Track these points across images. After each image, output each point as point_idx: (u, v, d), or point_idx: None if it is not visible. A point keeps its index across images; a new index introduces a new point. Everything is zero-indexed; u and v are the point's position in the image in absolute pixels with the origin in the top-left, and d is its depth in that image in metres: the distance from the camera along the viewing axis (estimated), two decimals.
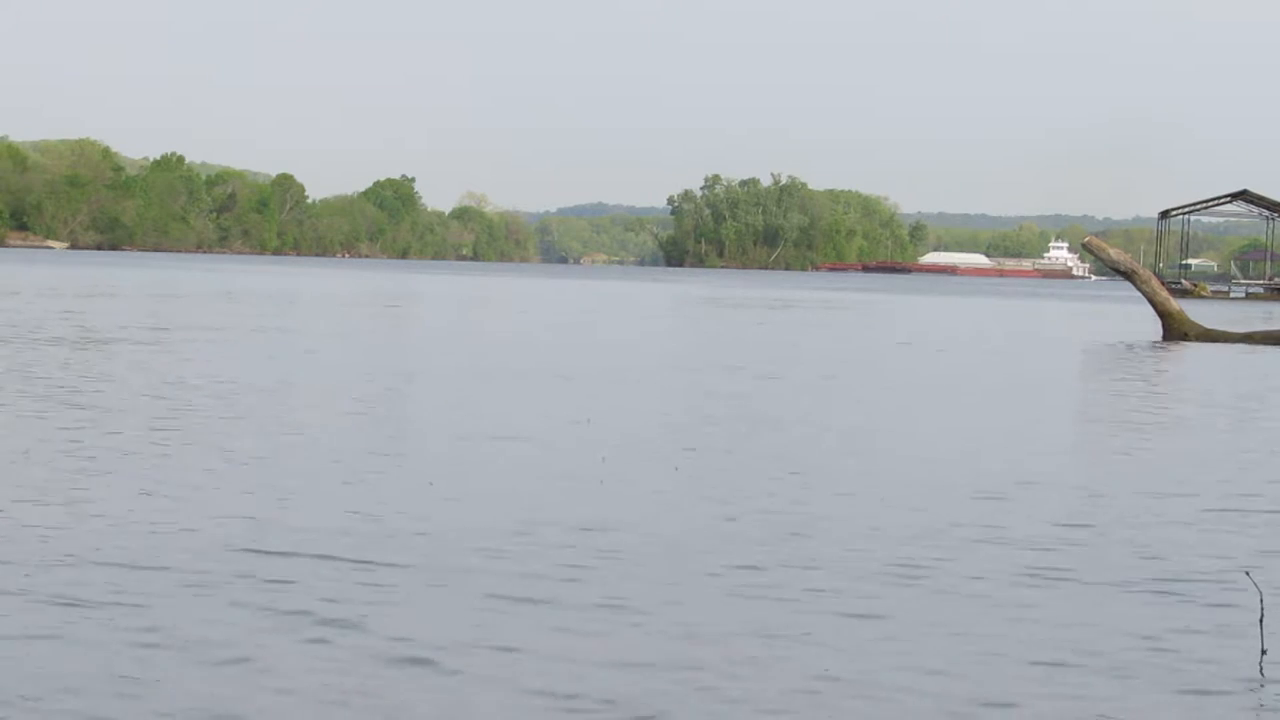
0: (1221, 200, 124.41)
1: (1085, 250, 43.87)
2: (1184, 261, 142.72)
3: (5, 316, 33.78)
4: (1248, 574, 8.52)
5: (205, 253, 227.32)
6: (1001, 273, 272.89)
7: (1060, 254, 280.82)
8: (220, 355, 24.47)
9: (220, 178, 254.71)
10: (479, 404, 18.40)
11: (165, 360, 23.00)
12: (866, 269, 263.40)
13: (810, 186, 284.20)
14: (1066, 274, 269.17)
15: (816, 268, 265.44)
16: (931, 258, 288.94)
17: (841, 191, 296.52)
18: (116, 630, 7.12)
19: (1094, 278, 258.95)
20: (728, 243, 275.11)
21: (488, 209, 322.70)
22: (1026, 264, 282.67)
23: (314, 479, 11.85)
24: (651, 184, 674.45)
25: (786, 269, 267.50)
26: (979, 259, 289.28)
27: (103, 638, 7.00)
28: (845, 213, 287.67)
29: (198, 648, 6.86)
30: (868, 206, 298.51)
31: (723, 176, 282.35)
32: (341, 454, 13.27)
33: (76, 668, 6.51)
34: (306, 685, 6.39)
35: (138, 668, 6.53)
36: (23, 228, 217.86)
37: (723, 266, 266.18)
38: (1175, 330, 40.26)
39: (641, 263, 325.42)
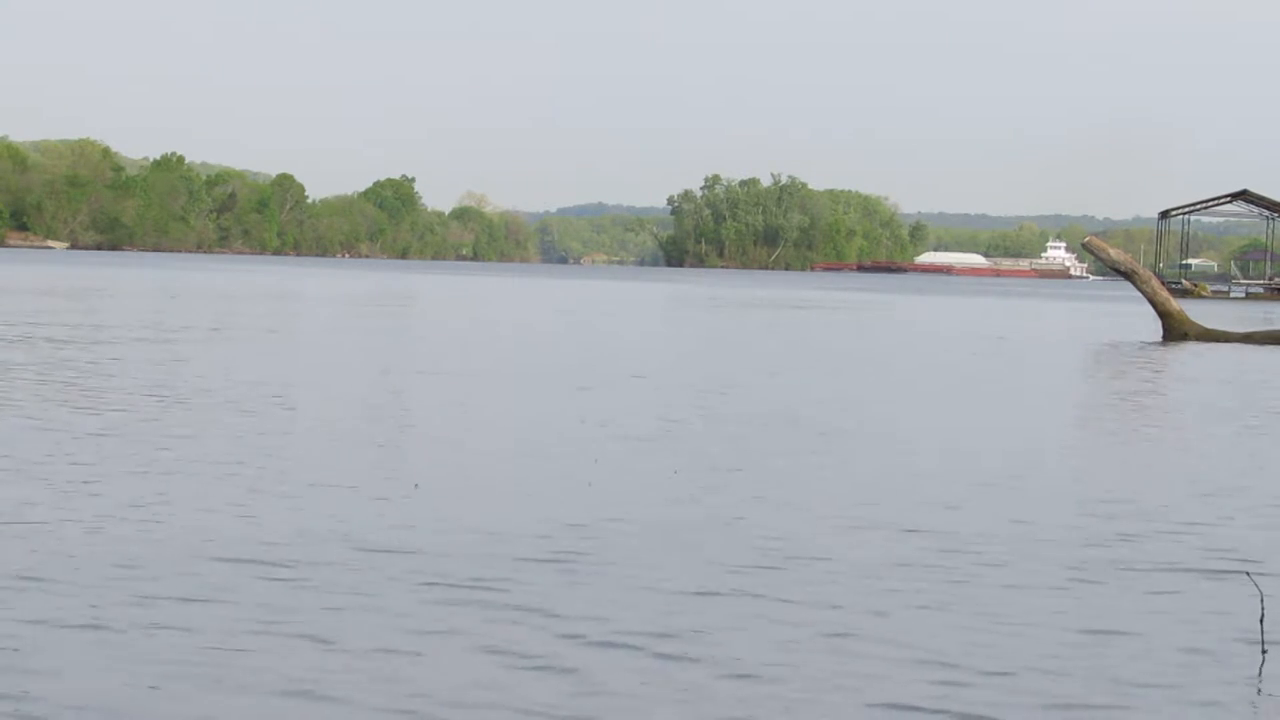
0: (1221, 200, 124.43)
1: (1085, 250, 43.86)
2: (1184, 261, 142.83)
3: (51, 317, 34.14)
4: (1248, 574, 8.57)
5: (205, 253, 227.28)
6: (998, 272, 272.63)
7: (1058, 254, 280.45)
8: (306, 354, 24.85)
9: (220, 178, 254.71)
10: (557, 406, 18.45)
11: (234, 358, 23.77)
12: (863, 269, 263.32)
13: (810, 186, 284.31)
14: (1064, 274, 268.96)
15: (813, 267, 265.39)
16: (928, 257, 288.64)
17: (841, 191, 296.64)
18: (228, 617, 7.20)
19: (1092, 277, 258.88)
20: (728, 243, 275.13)
21: (488, 209, 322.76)
22: (1024, 264, 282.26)
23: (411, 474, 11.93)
24: (651, 184, 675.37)
25: (786, 269, 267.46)
26: (976, 259, 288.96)
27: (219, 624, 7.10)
28: (845, 213, 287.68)
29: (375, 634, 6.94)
30: (868, 206, 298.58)
31: (723, 176, 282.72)
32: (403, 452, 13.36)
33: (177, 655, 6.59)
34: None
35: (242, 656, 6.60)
36: (23, 228, 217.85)
37: (723, 266, 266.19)
38: (1175, 330, 40.27)
39: (641, 263, 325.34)
